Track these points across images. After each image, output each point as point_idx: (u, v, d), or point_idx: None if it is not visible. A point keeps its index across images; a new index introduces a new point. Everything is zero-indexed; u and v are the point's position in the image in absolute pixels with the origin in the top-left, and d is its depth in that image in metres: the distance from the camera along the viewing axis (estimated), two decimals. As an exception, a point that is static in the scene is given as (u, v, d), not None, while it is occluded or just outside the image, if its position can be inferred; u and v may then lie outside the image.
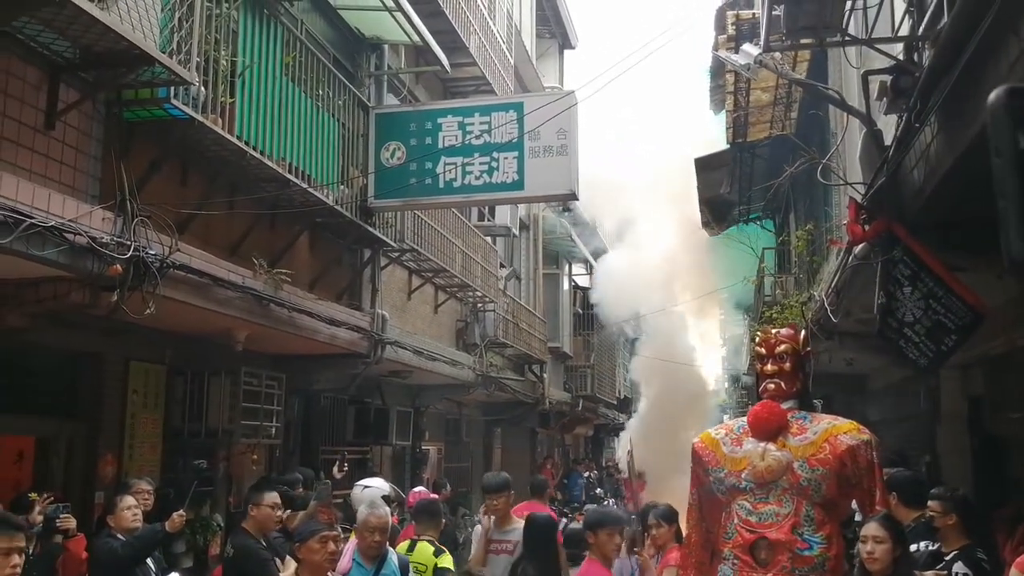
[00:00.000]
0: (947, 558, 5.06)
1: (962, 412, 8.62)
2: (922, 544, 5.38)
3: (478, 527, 7.03)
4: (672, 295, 19.55)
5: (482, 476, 7.48)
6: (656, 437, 18.44)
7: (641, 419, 21.96)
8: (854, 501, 5.17)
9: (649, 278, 19.42)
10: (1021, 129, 1.67)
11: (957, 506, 5.17)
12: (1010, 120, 1.65)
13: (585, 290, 27.40)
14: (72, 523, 6.01)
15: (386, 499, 7.16)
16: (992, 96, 1.78)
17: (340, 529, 5.24)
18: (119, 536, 5.99)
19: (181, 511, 6.28)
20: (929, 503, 5.32)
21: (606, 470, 30.70)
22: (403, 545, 6.54)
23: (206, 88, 7.04)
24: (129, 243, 6.13)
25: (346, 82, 10.31)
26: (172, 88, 6.56)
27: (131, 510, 6.13)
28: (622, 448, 20.25)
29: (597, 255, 26.49)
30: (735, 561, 4.80)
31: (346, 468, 8.75)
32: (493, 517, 6.78)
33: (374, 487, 7.56)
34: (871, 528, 4.50)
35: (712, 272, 19.84)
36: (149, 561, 6.12)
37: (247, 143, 7.68)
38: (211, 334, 8.37)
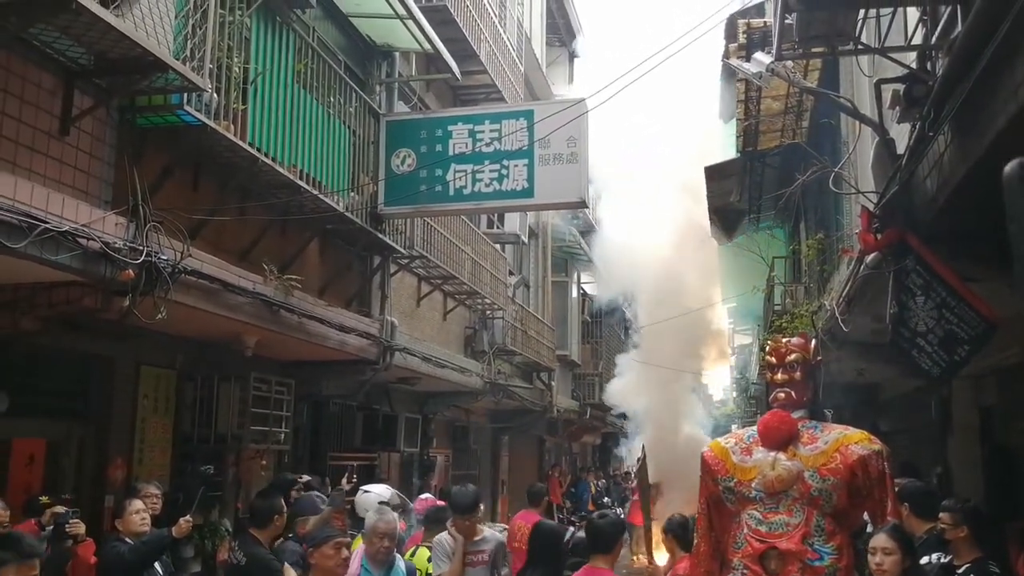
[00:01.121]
0: (959, 571, 5.00)
1: (974, 423, 8.58)
2: (934, 556, 5.33)
3: (441, 538, 6.58)
4: (680, 303, 19.47)
5: (479, 484, 7.22)
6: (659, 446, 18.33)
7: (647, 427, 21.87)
8: (865, 512, 5.15)
9: (656, 286, 19.37)
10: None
11: (968, 518, 5.12)
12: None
13: (594, 298, 27.38)
14: (81, 528, 6.01)
15: (389, 505, 7.16)
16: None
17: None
18: (127, 540, 6.00)
19: (188, 516, 6.28)
20: (940, 515, 5.28)
21: (613, 479, 30.65)
22: (409, 552, 6.58)
23: (218, 95, 7.07)
24: (141, 248, 6.15)
25: (357, 89, 10.35)
26: (185, 94, 6.61)
27: (139, 514, 6.14)
28: (633, 455, 20.15)
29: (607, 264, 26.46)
30: (744, 571, 4.77)
31: (355, 480, 8.74)
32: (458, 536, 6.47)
33: (377, 493, 7.52)
34: (880, 540, 4.47)
35: (721, 281, 19.78)
36: (157, 565, 6.12)
37: (259, 149, 7.72)
38: (221, 339, 8.40)
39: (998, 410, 8.05)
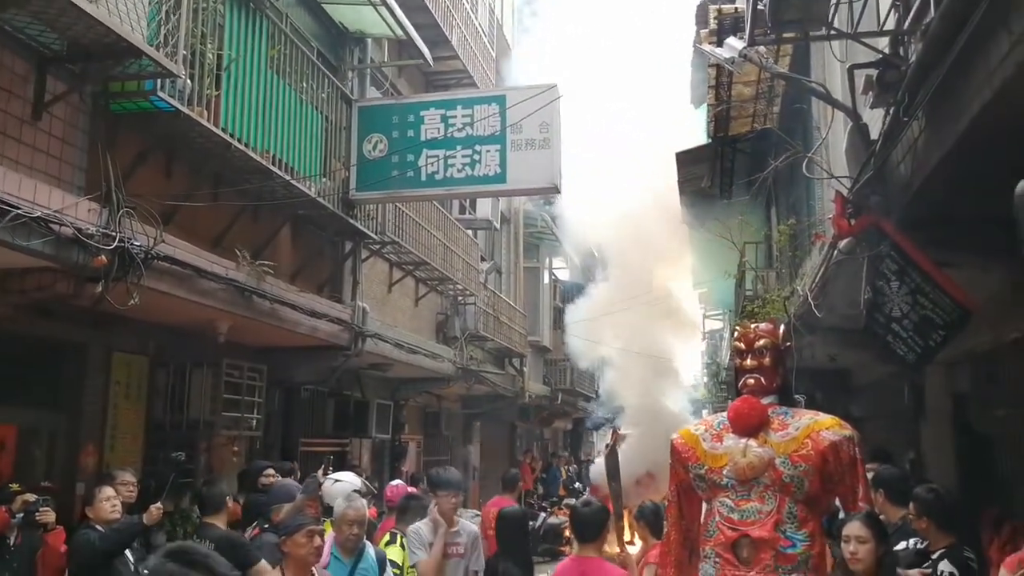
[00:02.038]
0: (933, 557, 5.02)
1: (947, 408, 8.58)
2: (911, 541, 5.32)
3: (418, 528, 6.30)
4: (651, 289, 19.52)
5: (449, 471, 6.82)
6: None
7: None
8: (837, 498, 5.16)
9: (627, 270, 19.42)
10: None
11: (928, 508, 5.08)
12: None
13: (565, 284, 27.42)
14: (51, 516, 5.96)
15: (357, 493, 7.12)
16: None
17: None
18: (98, 527, 5.93)
19: (159, 503, 6.23)
20: (911, 504, 5.31)
21: (584, 464, 30.75)
22: (383, 540, 6.54)
23: (192, 81, 7.03)
24: (114, 234, 6.10)
25: (329, 75, 10.29)
26: (158, 81, 6.56)
27: (109, 501, 6.07)
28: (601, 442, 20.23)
29: (578, 249, 26.49)
30: (717, 560, 4.71)
31: (331, 470, 8.71)
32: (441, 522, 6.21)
33: (345, 481, 7.47)
34: (854, 528, 4.47)
35: (693, 266, 19.85)
36: (128, 553, 6.06)
37: (232, 135, 7.69)
38: (194, 325, 8.34)
39: (971, 396, 8.08)
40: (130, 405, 8.30)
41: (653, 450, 11.68)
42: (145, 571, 6.38)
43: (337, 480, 7.38)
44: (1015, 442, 7.17)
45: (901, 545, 5.28)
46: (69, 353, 7.74)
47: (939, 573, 4.85)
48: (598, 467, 14.38)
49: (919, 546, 5.30)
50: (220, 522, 6.11)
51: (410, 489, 8.69)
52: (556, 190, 10.91)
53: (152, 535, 7.52)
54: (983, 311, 4.96)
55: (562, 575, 5.17)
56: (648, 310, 17.14)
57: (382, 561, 5.69)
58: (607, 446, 7.68)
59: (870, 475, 5.27)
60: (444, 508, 6.23)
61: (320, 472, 8.99)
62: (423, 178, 10.46)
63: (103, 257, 5.94)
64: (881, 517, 4.95)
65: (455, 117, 10.52)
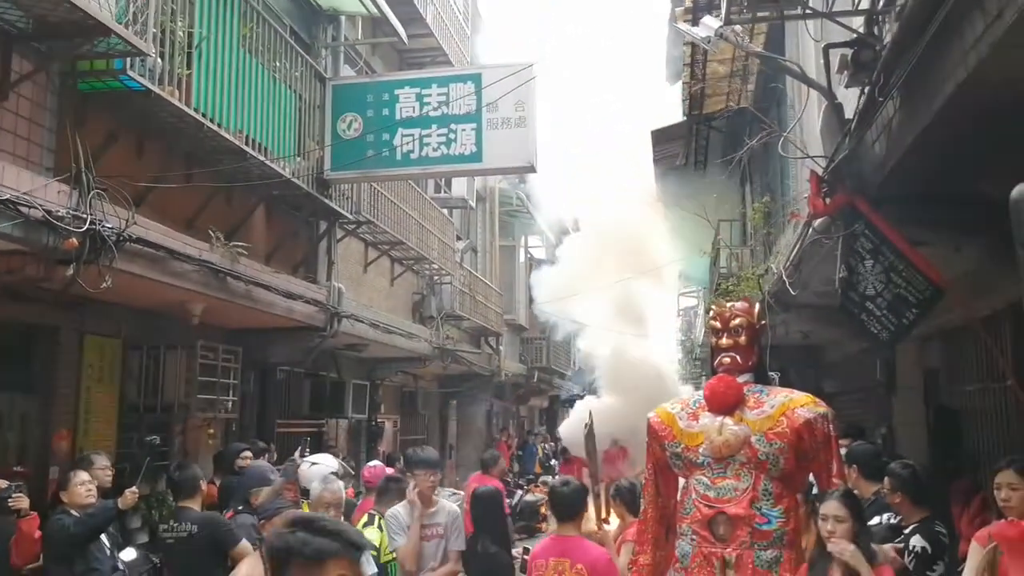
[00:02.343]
0: (906, 531, 5.09)
1: (918, 384, 8.72)
2: (884, 516, 5.41)
3: (396, 512, 6.20)
4: (626, 266, 19.58)
5: (426, 450, 6.70)
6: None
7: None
8: (811, 473, 5.20)
9: (602, 250, 19.47)
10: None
11: (903, 484, 5.17)
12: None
13: (542, 262, 27.41)
14: (25, 503, 5.90)
15: (334, 476, 7.10)
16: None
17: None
18: (72, 512, 5.89)
19: (134, 488, 6.18)
20: (886, 479, 5.37)
21: (560, 442, 30.85)
22: (360, 521, 6.53)
23: (162, 59, 6.93)
24: (85, 216, 6.01)
25: (303, 53, 10.18)
26: (128, 59, 6.43)
27: (84, 485, 6.02)
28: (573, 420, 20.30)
29: (553, 227, 26.50)
30: (693, 537, 4.75)
31: (308, 453, 8.69)
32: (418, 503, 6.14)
33: (322, 464, 7.45)
34: (831, 507, 4.50)
35: (667, 244, 19.90)
36: (103, 537, 6.02)
37: (204, 115, 7.58)
38: (167, 308, 8.27)
39: (941, 371, 8.19)
40: (103, 389, 8.23)
41: (627, 416, 11.73)
42: (126, 559, 6.39)
43: (314, 463, 7.36)
44: (984, 417, 7.27)
45: (874, 520, 5.34)
46: (40, 337, 7.66)
47: (911, 547, 4.93)
48: (568, 427, 14.54)
49: (891, 521, 5.37)
50: (195, 505, 6.09)
51: (388, 470, 8.69)
52: (532, 169, 10.89)
53: (127, 519, 7.50)
54: (955, 289, 4.99)
55: (542, 553, 5.20)
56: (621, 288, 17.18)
57: None
58: (585, 425, 7.71)
59: (843, 451, 5.32)
60: (422, 487, 6.18)
61: (297, 454, 8.99)
62: (398, 157, 10.41)
63: (74, 240, 5.86)
64: (855, 492, 4.99)
65: (430, 96, 10.47)
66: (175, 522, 5.85)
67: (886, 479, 5.34)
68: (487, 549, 5.80)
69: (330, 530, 2.17)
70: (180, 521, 5.82)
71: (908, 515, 5.17)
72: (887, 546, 4.93)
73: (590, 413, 8.07)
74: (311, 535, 2.14)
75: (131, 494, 6.09)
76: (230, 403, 9.35)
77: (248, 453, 8.21)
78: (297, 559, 2.13)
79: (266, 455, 8.96)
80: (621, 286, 16.60)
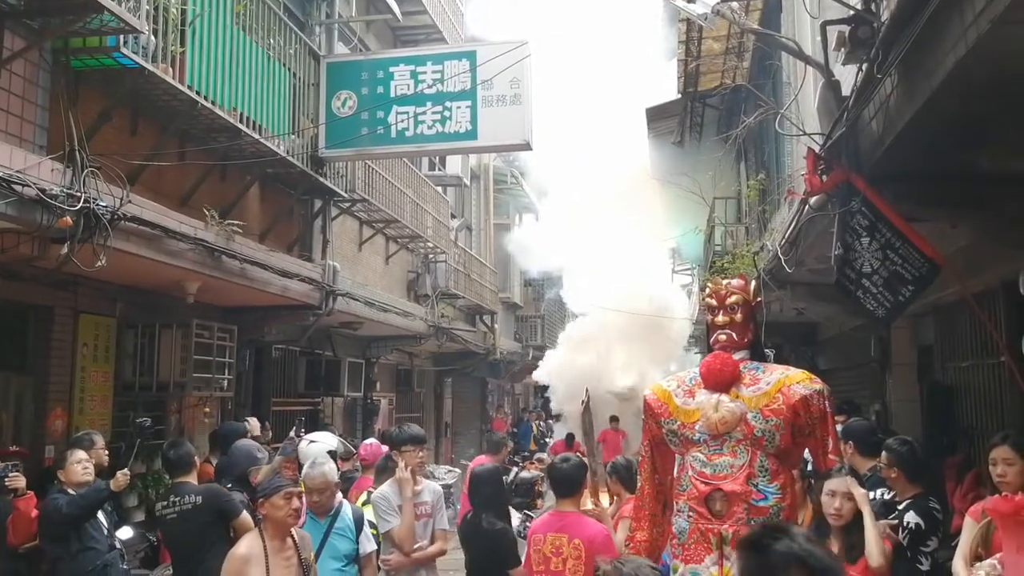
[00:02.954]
0: (900, 507, 5.13)
1: (912, 361, 8.80)
2: (878, 492, 5.44)
3: (385, 493, 6.04)
4: (622, 244, 19.69)
5: (424, 427, 6.61)
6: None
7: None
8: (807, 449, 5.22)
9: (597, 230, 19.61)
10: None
11: (901, 460, 5.21)
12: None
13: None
14: (21, 482, 5.91)
15: (332, 454, 7.07)
16: None
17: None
18: (69, 491, 5.89)
19: (126, 470, 6.17)
20: (883, 454, 5.40)
21: (557, 419, 30.91)
22: (361, 499, 6.54)
23: (156, 37, 6.89)
24: (79, 194, 5.99)
25: (297, 31, 10.13)
26: (121, 37, 6.41)
27: (81, 464, 6.02)
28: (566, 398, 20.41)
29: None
30: (690, 513, 4.77)
31: (303, 431, 8.68)
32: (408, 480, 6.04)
33: (321, 442, 7.42)
34: (838, 483, 4.56)
35: (663, 220, 19.94)
36: (101, 516, 6.03)
37: (198, 93, 7.55)
38: (162, 286, 8.26)
39: (936, 348, 8.23)
40: (98, 367, 8.22)
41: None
42: (123, 537, 6.39)
43: (313, 441, 7.35)
44: (978, 393, 7.31)
45: (869, 496, 5.37)
46: (35, 316, 7.65)
47: (905, 523, 4.96)
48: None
49: (886, 497, 5.40)
50: (192, 479, 6.05)
51: (384, 448, 8.70)
52: (528, 146, 10.85)
53: (124, 498, 7.51)
54: (950, 265, 5.00)
55: (540, 528, 5.23)
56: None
57: (359, 520, 5.66)
58: (582, 402, 7.71)
59: (839, 428, 5.34)
60: (411, 463, 6.10)
61: (293, 431, 8.99)
62: (393, 135, 10.37)
63: (68, 218, 5.84)
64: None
65: (425, 73, 10.42)
66: (175, 496, 5.80)
67: (883, 455, 5.37)
68: (492, 526, 5.79)
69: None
70: (181, 495, 5.77)
71: (903, 491, 5.21)
72: (882, 522, 4.97)
73: (586, 390, 8.06)
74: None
75: (123, 476, 6.08)
76: (225, 381, 9.34)
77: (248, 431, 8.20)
78: None
79: (247, 435, 8.99)
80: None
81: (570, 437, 16.95)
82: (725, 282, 5.27)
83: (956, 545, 4.71)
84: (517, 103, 10.21)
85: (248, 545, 4.49)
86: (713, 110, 14.58)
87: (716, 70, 12.47)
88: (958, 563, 4.58)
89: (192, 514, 5.66)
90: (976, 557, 4.50)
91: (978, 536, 4.53)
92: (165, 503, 5.83)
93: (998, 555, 4.30)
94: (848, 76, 5.49)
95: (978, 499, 5.05)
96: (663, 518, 5.13)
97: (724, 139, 10.51)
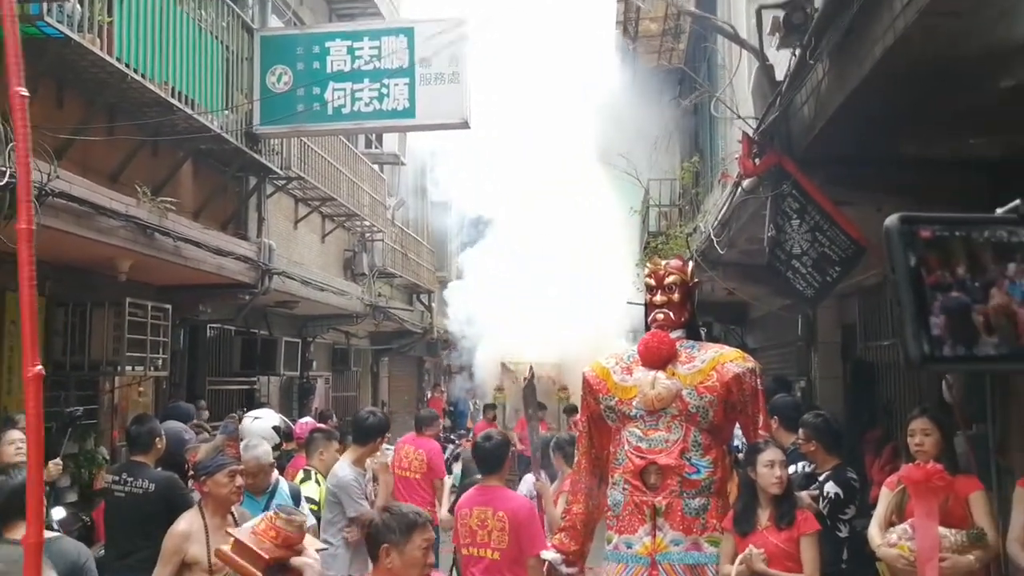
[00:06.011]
0: (820, 479, 5.33)
1: (836, 339, 9.07)
2: (800, 465, 5.66)
3: (347, 480, 6.10)
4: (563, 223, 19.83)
5: (360, 406, 6.81)
6: None
7: None
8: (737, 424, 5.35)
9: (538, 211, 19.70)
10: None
11: (817, 432, 5.45)
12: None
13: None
14: None
15: (276, 430, 7.08)
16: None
17: None
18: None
19: (57, 460, 6.07)
20: (799, 429, 5.60)
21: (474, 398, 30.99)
22: (299, 477, 6.57)
23: (82, 5, 6.72)
24: (3, 169, 5.83)
25: (229, 3, 9.92)
26: (45, 4, 6.21)
27: (14, 444, 5.90)
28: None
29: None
30: (626, 486, 4.89)
31: (244, 410, 8.62)
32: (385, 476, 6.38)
33: (265, 419, 7.40)
34: (775, 454, 4.73)
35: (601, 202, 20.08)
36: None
37: (127, 65, 7.37)
38: (93, 264, 8.12)
39: (859, 327, 8.48)
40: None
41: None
42: (56, 518, 6.28)
43: (257, 418, 7.33)
44: (897, 370, 7.59)
45: (791, 469, 5.54)
46: (-39, 294, 7.48)
47: (825, 493, 5.19)
48: None
49: (807, 469, 5.61)
50: (149, 461, 5.92)
51: (319, 425, 8.68)
52: (466, 125, 10.79)
53: (56, 479, 7.38)
54: (872, 247, 5.14)
55: (466, 503, 5.34)
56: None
57: (296, 496, 5.73)
58: (524, 379, 7.78)
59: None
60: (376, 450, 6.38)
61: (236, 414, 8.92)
62: (329, 112, 10.25)
63: (-8, 194, 5.70)
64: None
65: (362, 49, 10.31)
66: (128, 476, 5.66)
67: (800, 430, 5.57)
68: None
69: None
70: (135, 476, 5.64)
71: (822, 463, 5.45)
72: (803, 493, 5.15)
73: (531, 367, 8.12)
74: None
75: (54, 467, 5.99)
76: (160, 361, 9.20)
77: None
78: None
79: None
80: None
81: (487, 408, 17.07)
82: (664, 262, 5.37)
83: (873, 514, 4.91)
84: (456, 81, 10.15)
85: (188, 522, 4.48)
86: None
87: (652, 52, 12.56)
88: (873, 529, 4.82)
89: (141, 499, 5.54)
90: (891, 524, 4.73)
91: (893, 504, 4.78)
92: (117, 478, 5.67)
93: (910, 520, 4.52)
94: (782, 61, 5.59)
95: (895, 471, 5.27)
96: (599, 491, 5.25)
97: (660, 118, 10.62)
